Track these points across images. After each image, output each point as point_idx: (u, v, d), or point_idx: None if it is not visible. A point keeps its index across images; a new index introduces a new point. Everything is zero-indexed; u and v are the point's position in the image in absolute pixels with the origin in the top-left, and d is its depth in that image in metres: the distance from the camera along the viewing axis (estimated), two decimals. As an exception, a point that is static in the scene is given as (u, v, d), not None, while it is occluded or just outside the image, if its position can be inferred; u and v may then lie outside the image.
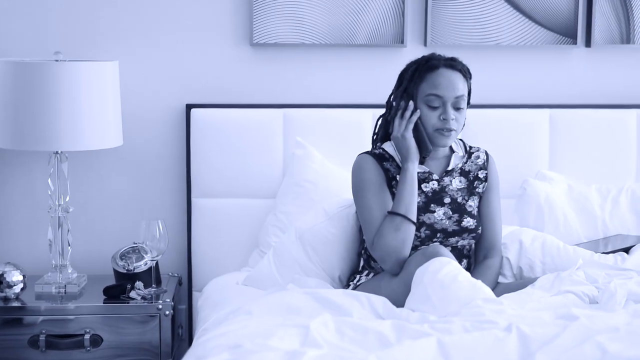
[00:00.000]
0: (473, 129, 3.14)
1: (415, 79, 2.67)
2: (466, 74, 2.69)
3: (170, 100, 3.36)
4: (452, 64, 2.68)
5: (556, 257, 2.83)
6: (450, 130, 2.65)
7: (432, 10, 3.36)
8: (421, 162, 2.70)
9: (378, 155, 2.73)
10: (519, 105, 3.40)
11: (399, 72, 2.78)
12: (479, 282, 2.41)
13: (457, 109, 2.66)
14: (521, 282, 2.70)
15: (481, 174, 2.78)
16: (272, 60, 3.37)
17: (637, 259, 2.78)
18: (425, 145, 2.67)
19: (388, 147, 2.76)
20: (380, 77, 3.35)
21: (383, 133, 2.79)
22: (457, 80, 2.65)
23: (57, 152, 3.11)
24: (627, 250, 2.89)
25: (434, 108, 2.65)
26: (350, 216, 2.87)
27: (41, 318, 2.99)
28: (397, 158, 2.73)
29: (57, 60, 3.04)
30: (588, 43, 3.44)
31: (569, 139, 3.37)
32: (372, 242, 2.63)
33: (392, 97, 2.75)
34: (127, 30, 3.32)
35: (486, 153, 2.83)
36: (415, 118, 2.65)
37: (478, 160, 2.80)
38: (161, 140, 3.37)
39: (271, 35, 3.33)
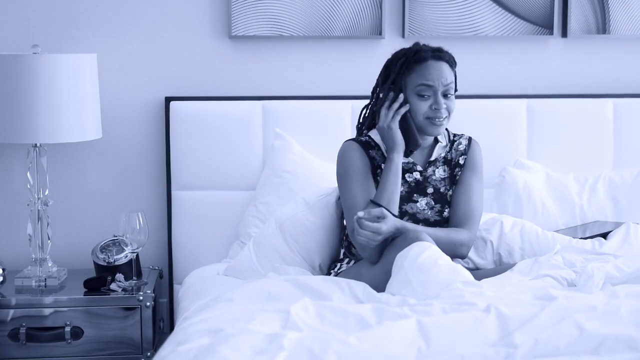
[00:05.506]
0: (452, 119, 3.15)
1: (403, 70, 2.68)
2: (452, 62, 2.71)
3: (150, 93, 3.35)
4: (440, 55, 2.70)
5: (535, 242, 2.85)
6: (441, 118, 2.66)
7: (409, 1, 3.37)
8: (407, 155, 2.70)
9: (364, 143, 2.73)
10: (497, 96, 3.42)
11: (377, 64, 2.80)
12: (459, 265, 2.42)
13: (447, 95, 2.68)
14: (500, 268, 2.71)
15: (462, 160, 2.79)
16: (250, 53, 3.38)
17: (614, 244, 2.81)
18: (414, 139, 2.68)
19: (375, 135, 2.75)
20: (359, 68, 3.37)
21: (370, 122, 2.79)
22: (445, 70, 2.68)
23: (36, 145, 3.10)
24: (604, 235, 2.91)
25: (425, 98, 2.67)
26: (330, 205, 2.87)
27: (21, 311, 2.98)
28: (383, 147, 2.72)
29: (35, 53, 3.03)
30: (564, 33, 3.47)
31: (547, 128, 3.39)
32: (352, 230, 2.63)
33: (378, 87, 2.76)
34: (105, 23, 3.32)
35: (469, 139, 2.83)
36: (403, 110, 2.66)
37: (460, 147, 2.80)
38: (141, 133, 3.37)
39: (249, 27, 3.33)
